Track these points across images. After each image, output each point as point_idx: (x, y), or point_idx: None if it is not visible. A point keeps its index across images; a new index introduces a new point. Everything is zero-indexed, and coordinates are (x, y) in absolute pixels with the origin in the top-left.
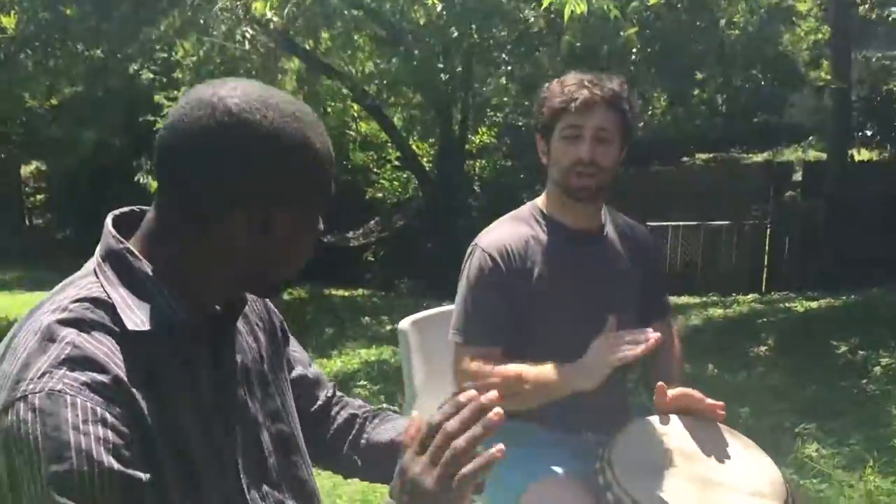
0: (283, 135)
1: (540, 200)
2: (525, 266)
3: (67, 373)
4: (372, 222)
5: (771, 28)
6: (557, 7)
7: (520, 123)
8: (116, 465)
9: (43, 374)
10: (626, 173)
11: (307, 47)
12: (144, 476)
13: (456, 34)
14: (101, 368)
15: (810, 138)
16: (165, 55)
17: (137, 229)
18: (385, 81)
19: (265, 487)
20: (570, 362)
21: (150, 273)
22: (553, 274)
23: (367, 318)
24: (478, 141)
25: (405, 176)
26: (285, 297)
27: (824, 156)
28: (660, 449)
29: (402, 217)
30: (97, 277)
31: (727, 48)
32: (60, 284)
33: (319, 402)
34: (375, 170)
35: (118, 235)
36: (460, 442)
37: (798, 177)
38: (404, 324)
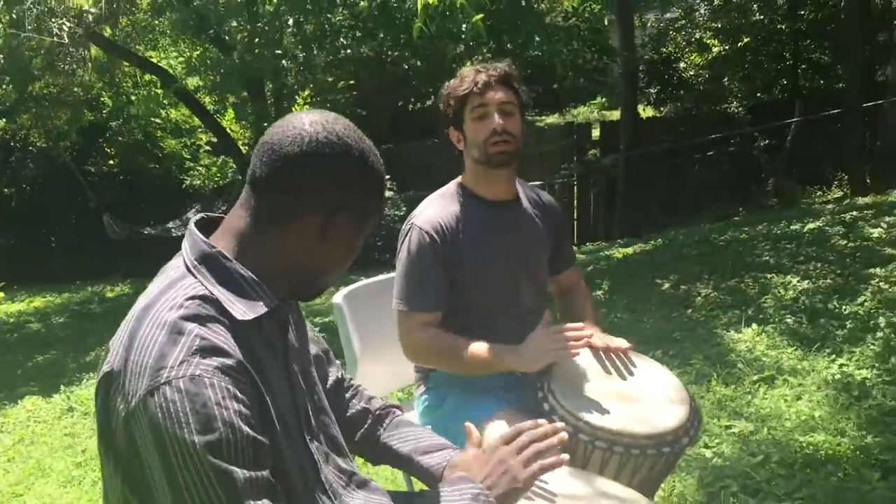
0: (363, 156)
1: (461, 179)
2: (457, 237)
3: (201, 360)
4: (192, 210)
5: None
6: None
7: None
8: (251, 432)
9: (182, 363)
10: (440, 143)
11: (108, 34)
12: (265, 440)
13: (291, 20)
14: (226, 354)
15: (602, 99)
16: None
17: (210, 232)
18: (199, 67)
19: (315, 442)
20: (496, 315)
21: (241, 271)
22: (480, 241)
23: None
24: None
25: (222, 161)
26: (109, 295)
27: (617, 115)
28: (586, 375)
29: (224, 202)
30: (196, 277)
31: (549, 26)
32: (157, 287)
33: (332, 379)
34: (187, 157)
35: (208, 240)
36: (541, 446)
37: (596, 133)
38: (338, 297)
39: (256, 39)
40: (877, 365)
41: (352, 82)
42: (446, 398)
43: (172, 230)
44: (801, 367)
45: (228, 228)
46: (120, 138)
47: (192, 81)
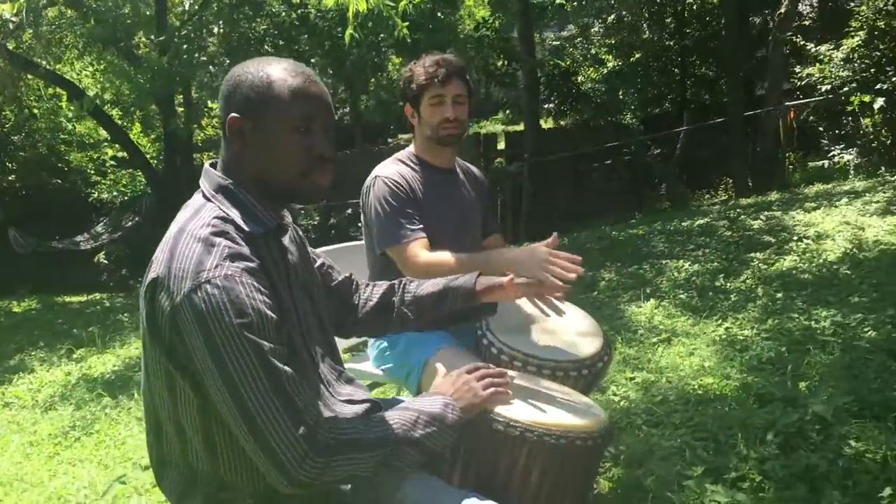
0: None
1: (411, 148)
2: (413, 192)
3: (231, 263)
4: (100, 224)
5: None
6: (344, 4)
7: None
8: (273, 316)
9: (217, 266)
10: (341, 154)
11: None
12: (284, 325)
13: (215, 28)
14: (249, 259)
15: (507, 111)
16: None
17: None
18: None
19: (314, 345)
20: None
21: (245, 196)
22: (431, 199)
23: (125, 314)
24: (203, 135)
25: (129, 174)
26: (16, 310)
27: (520, 128)
28: (518, 315)
29: (135, 216)
30: (214, 203)
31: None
32: (185, 215)
33: (339, 279)
34: (91, 170)
35: (221, 174)
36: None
37: (502, 145)
38: None
39: (185, 45)
40: (756, 326)
41: None
42: (399, 341)
43: (81, 244)
44: (693, 331)
45: (224, 167)
46: (22, 153)
47: (96, 92)
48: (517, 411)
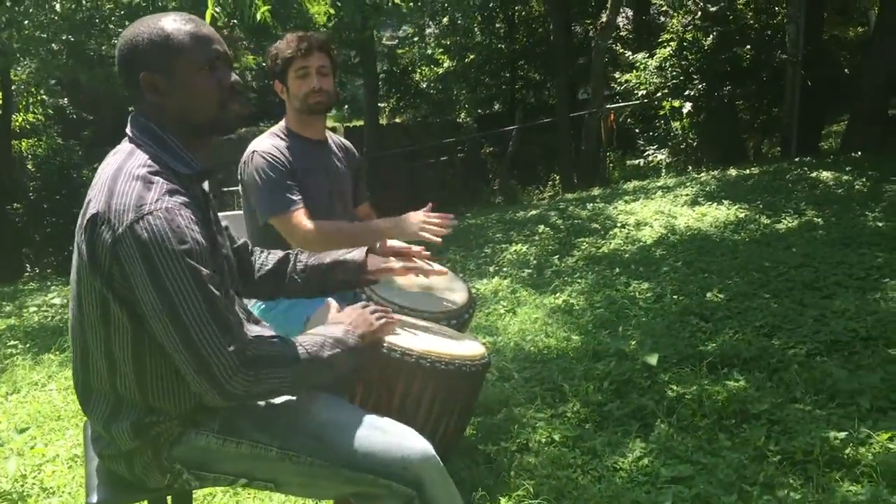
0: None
1: (283, 123)
2: (288, 164)
3: (170, 198)
4: None
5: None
6: None
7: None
8: (208, 246)
9: (157, 200)
10: None
11: None
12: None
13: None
14: (185, 194)
15: (345, 107)
16: None
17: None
18: None
19: (233, 294)
20: None
21: (170, 139)
22: (305, 168)
23: None
24: (21, 119)
25: None
26: None
27: (359, 124)
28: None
29: None
30: (144, 147)
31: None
32: (119, 157)
33: (238, 242)
34: None
35: (148, 122)
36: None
37: None
38: None
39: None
40: (588, 297)
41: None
42: (281, 300)
43: None
44: (535, 302)
45: (146, 118)
46: None
47: None
48: (411, 341)
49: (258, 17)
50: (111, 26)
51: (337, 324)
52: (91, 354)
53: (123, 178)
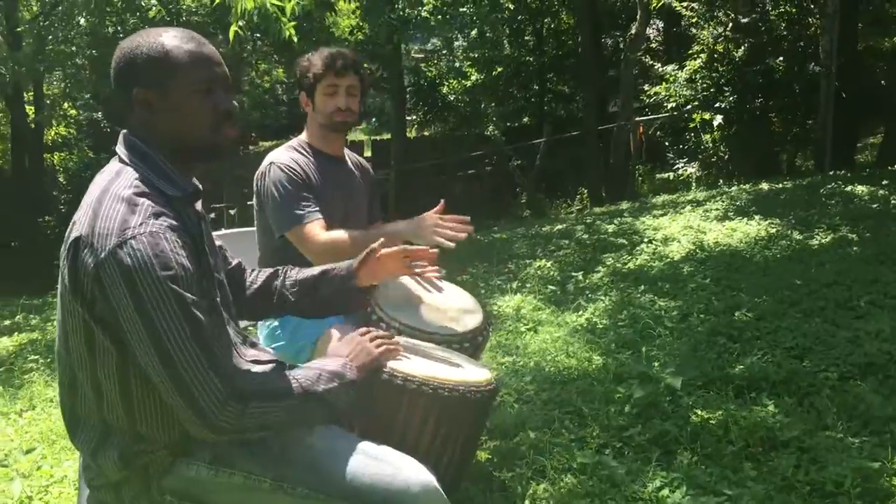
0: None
1: (303, 137)
2: (306, 177)
3: (155, 221)
4: None
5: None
6: (229, 3)
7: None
8: (195, 272)
9: (141, 224)
10: None
11: None
12: (204, 282)
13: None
14: (171, 217)
15: (373, 120)
16: None
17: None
18: None
19: (226, 317)
20: None
21: (160, 160)
22: (322, 183)
23: None
24: (53, 133)
25: None
26: None
27: (387, 135)
28: (405, 292)
29: None
30: (132, 167)
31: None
32: (105, 178)
33: (233, 263)
34: None
35: (138, 141)
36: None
37: (368, 153)
38: None
39: (49, 36)
40: (612, 316)
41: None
42: (290, 320)
43: None
44: (556, 321)
45: (135, 136)
46: None
47: None
48: (413, 367)
49: (285, 34)
50: None
51: (335, 356)
52: (78, 381)
53: (108, 199)
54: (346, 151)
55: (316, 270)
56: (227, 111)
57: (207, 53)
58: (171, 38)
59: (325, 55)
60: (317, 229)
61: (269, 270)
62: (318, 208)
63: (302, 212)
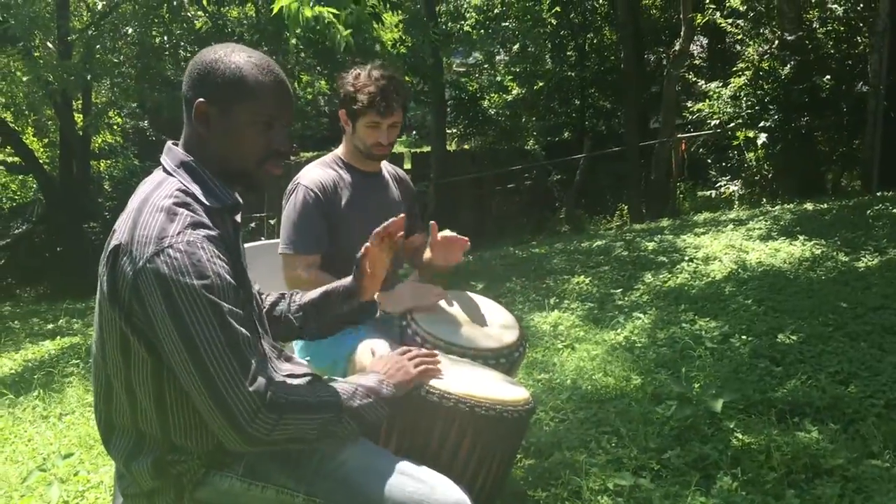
0: (228, 72)
1: (339, 151)
2: (335, 196)
3: (193, 231)
4: None
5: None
6: (287, 13)
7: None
8: (232, 281)
9: (179, 233)
10: None
11: None
12: (241, 292)
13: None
14: (210, 228)
15: (413, 132)
16: None
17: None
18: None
19: (256, 321)
20: None
21: (206, 173)
22: (354, 201)
23: (16, 322)
24: (101, 141)
25: (20, 180)
26: None
27: (427, 148)
28: (442, 306)
29: (25, 222)
30: (176, 177)
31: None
32: (148, 187)
33: (256, 287)
34: None
35: (184, 151)
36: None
37: (408, 165)
38: None
39: (97, 46)
40: (651, 335)
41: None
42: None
43: None
44: (594, 339)
45: (185, 145)
46: None
47: None
48: (450, 384)
49: (342, 43)
50: (181, 52)
51: (372, 373)
52: (113, 389)
53: (149, 209)
54: (384, 163)
55: (318, 291)
56: (279, 151)
57: (281, 91)
58: (251, 65)
59: (372, 87)
60: (302, 263)
61: (275, 294)
62: (319, 245)
63: (301, 242)
